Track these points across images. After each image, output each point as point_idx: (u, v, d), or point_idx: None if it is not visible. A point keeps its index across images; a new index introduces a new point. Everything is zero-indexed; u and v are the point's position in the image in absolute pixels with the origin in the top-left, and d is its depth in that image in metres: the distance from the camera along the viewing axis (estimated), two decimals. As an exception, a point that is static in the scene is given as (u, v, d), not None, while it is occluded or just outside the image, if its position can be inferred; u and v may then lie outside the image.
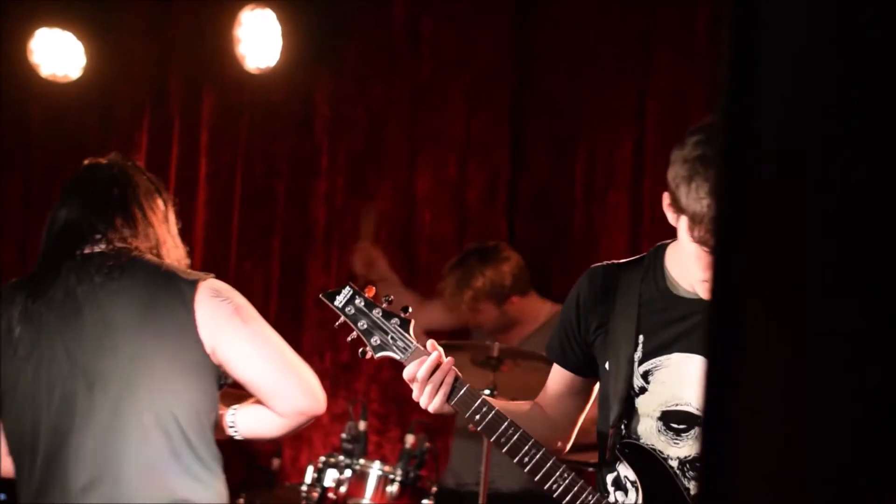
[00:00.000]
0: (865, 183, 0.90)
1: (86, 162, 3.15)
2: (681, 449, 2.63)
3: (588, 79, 5.47)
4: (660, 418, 2.64)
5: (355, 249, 5.41)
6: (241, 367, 2.89)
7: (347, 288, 2.74)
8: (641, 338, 2.65)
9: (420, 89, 5.72)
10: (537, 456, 2.64)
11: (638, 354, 2.65)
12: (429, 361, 2.63)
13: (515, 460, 2.65)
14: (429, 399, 2.64)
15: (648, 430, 2.66)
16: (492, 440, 2.66)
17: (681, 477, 2.63)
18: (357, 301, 2.72)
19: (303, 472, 4.79)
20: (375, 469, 4.61)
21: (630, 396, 2.65)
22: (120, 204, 3.00)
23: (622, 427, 2.67)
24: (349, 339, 2.75)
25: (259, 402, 2.96)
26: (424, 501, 4.59)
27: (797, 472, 0.91)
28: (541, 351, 4.53)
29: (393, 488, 4.57)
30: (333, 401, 5.59)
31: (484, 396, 2.66)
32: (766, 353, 0.91)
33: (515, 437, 2.64)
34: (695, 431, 2.62)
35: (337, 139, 5.82)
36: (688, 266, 2.57)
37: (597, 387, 2.80)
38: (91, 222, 2.97)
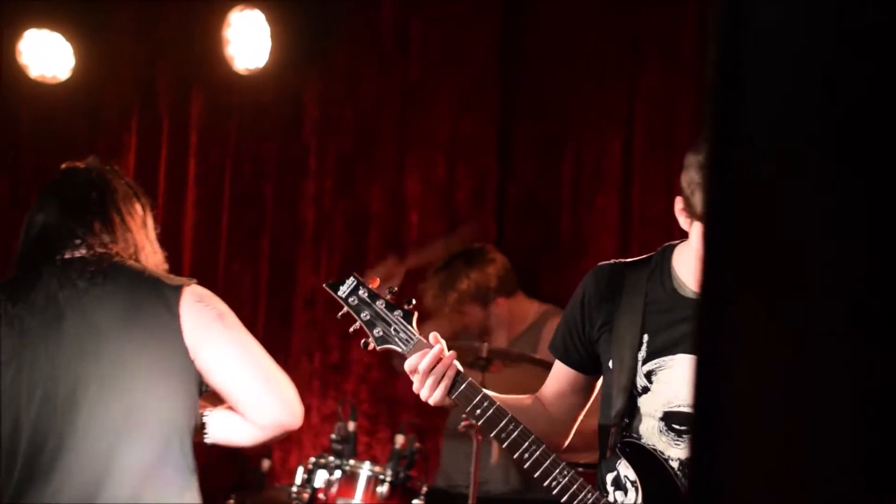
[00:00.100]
0: (859, 182, 0.90)
1: (63, 166, 3.12)
2: (682, 450, 2.62)
3: (576, 80, 5.47)
4: (662, 419, 2.64)
5: (386, 264, 5.30)
6: (220, 374, 2.86)
7: (351, 278, 2.73)
8: (646, 337, 2.65)
9: (409, 91, 5.72)
10: (537, 453, 2.63)
11: (642, 354, 2.65)
12: (431, 354, 2.63)
13: (515, 456, 2.64)
14: (429, 392, 2.64)
15: (650, 430, 2.65)
16: (492, 435, 2.65)
17: (681, 478, 2.63)
18: (360, 292, 2.71)
19: (293, 474, 4.78)
20: (365, 470, 4.61)
21: (632, 396, 2.65)
22: (98, 208, 2.98)
23: (623, 426, 2.67)
24: (351, 329, 2.73)
25: (231, 408, 2.92)
26: (415, 502, 4.58)
27: (797, 472, 0.91)
28: (530, 351, 4.57)
29: (383, 489, 4.57)
30: (323, 401, 5.59)
31: (485, 391, 2.66)
32: (764, 352, 0.92)
33: (516, 433, 2.64)
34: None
35: (326, 140, 5.82)
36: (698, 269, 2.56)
37: (599, 385, 2.80)
38: (69, 227, 2.95)
